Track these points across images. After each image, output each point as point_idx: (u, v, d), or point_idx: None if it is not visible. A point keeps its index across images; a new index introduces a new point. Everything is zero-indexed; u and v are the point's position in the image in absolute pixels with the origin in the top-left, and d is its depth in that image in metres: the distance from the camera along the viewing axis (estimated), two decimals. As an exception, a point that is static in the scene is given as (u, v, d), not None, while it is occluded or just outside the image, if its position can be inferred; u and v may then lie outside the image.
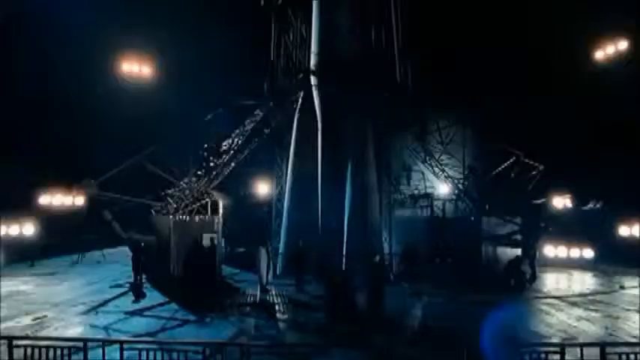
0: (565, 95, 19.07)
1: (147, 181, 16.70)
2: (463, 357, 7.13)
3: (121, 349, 7.39)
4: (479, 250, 15.28)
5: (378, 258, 11.74)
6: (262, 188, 21.36)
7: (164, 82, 20.18)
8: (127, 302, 13.66)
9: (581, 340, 9.48)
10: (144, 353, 7.39)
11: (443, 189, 19.68)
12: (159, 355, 7.48)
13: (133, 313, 12.38)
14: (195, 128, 17.72)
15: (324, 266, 14.67)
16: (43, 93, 20.62)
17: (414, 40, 18.72)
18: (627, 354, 7.21)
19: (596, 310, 12.93)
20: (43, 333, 10.53)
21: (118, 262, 19.89)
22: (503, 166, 16.22)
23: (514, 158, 15.97)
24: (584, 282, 16.97)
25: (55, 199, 18.00)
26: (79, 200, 18.00)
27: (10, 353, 7.64)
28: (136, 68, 20.99)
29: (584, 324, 11.57)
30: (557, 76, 19.20)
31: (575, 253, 17.68)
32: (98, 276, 17.50)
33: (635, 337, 10.39)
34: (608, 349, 7.36)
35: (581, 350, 7.29)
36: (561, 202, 16.11)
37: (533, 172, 16.14)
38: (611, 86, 17.36)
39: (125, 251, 20.22)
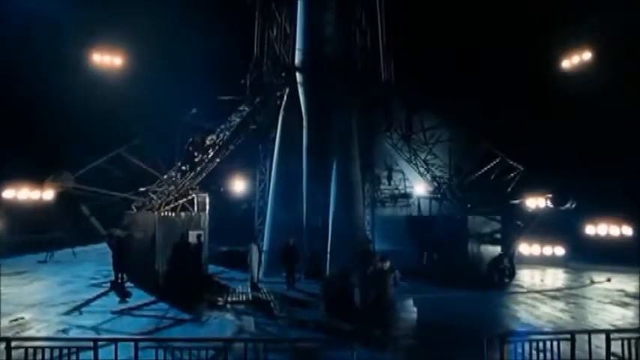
0: (544, 98, 20.05)
1: (127, 177, 16.05)
2: (483, 348, 7.28)
3: (136, 348, 7.00)
4: (465, 247, 15.72)
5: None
6: (244, 186, 20.97)
7: (146, 75, 19.42)
8: (111, 301, 13.02)
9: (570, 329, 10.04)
10: (160, 352, 7.06)
11: (424, 189, 20.10)
12: (169, 354, 7.20)
13: (121, 313, 11.82)
14: (179, 122, 17.17)
15: (316, 264, 14.62)
16: (14, 84, 19.32)
17: (400, 39, 19.00)
18: (629, 339, 7.64)
19: (574, 303, 13.69)
20: (26, 335, 9.86)
21: (91, 260, 18.92)
22: (487, 167, 16.73)
23: (499, 159, 16.52)
24: (558, 278, 17.85)
25: (20, 193, 16.83)
26: (48, 195, 16.90)
27: (9, 354, 7.09)
28: (107, 59, 20.10)
29: (568, 315, 12.27)
30: (535, 79, 20.11)
31: (547, 251, 18.70)
32: (72, 275, 16.56)
33: (614, 325, 11.08)
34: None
35: (589, 337, 7.66)
36: (535, 202, 16.79)
37: (512, 174, 16.73)
38: (584, 91, 18.34)
39: (97, 249, 19.36)
